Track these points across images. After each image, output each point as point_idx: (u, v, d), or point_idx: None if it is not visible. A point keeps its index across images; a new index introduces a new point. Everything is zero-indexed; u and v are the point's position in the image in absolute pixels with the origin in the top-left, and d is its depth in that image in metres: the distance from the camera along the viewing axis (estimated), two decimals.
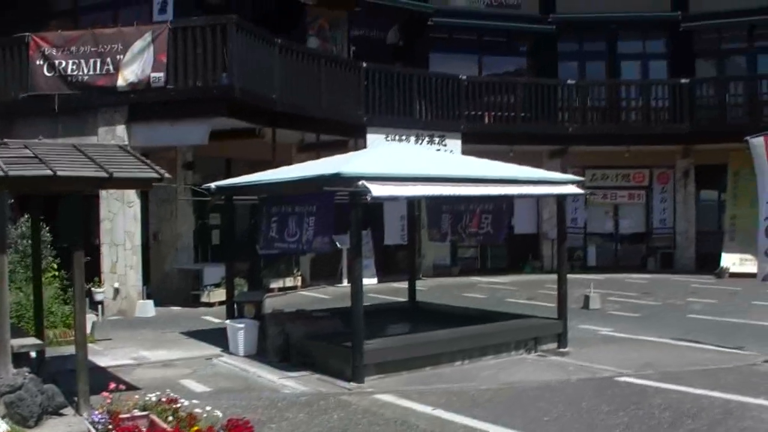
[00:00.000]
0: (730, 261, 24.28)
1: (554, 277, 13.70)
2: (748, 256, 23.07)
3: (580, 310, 16.83)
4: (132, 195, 16.91)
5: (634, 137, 25.14)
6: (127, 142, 16.24)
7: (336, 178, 10.23)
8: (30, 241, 12.41)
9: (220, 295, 17.53)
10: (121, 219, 16.98)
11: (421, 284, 19.37)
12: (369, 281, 21.00)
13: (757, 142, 12.71)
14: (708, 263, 25.21)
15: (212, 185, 14.05)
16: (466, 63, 27.23)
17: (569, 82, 25.82)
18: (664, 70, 28.38)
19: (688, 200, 26.76)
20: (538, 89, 25.16)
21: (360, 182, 9.93)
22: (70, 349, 10.09)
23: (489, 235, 13.99)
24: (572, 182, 13.23)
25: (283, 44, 18.56)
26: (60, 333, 13.26)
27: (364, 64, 21.76)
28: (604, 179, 27.06)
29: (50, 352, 11.25)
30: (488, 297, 19.63)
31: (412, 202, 16.04)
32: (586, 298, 17.50)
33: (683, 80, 25.46)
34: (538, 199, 24.58)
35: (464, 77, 24.24)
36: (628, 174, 27.19)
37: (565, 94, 25.59)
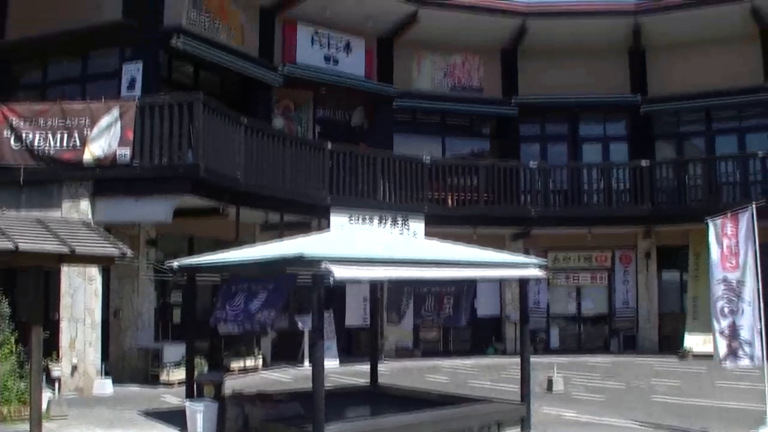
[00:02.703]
0: (694, 342, 24.33)
1: (517, 359, 13.68)
2: (711, 337, 23.19)
3: (543, 393, 16.79)
4: (93, 271, 16.74)
5: (596, 219, 25.45)
6: (91, 217, 16.21)
7: (299, 260, 10.22)
8: None
9: (180, 374, 17.28)
10: (81, 294, 16.78)
11: (383, 367, 19.22)
12: (331, 363, 20.83)
13: (714, 223, 12.94)
14: (671, 344, 25.34)
15: (174, 263, 13.95)
16: (430, 144, 27.64)
17: (531, 164, 26.15)
18: (624, 153, 28.86)
19: (650, 281, 26.95)
20: (500, 172, 25.42)
21: (323, 264, 9.94)
22: (25, 427, 9.91)
23: (450, 317, 14.01)
24: (534, 265, 13.29)
25: (248, 124, 18.67)
26: (15, 409, 13.00)
27: (329, 145, 21.88)
28: (566, 261, 27.27)
29: (3, 429, 11.01)
30: (451, 380, 19.51)
31: (375, 284, 16.02)
32: (550, 381, 17.46)
33: (643, 162, 25.89)
34: (501, 281, 24.71)
35: (427, 159, 24.44)
36: (590, 256, 27.41)
37: (527, 176, 25.86)
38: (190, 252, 19.33)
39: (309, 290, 10.46)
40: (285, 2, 24.13)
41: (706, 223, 13.14)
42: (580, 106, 28.64)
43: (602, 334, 27.64)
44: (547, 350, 26.07)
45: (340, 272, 9.97)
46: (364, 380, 16.80)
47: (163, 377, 18.07)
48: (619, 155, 28.76)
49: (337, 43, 25.87)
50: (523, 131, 29.07)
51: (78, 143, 16.79)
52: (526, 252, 23.77)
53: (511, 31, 27.72)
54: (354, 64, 26.18)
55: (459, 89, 28.62)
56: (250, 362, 20.99)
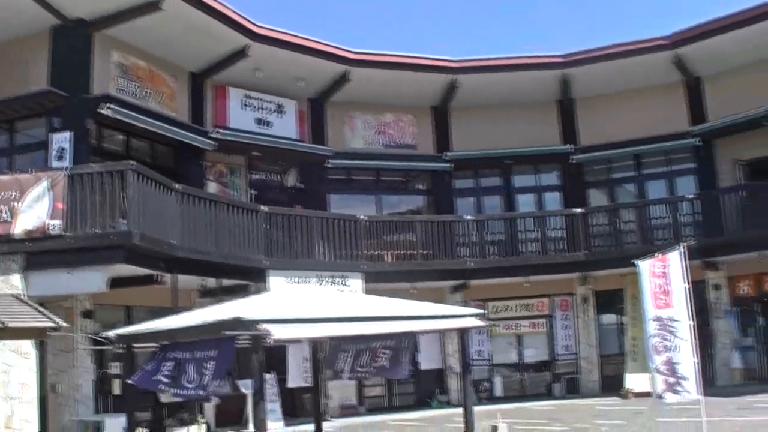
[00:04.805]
0: (635, 381, 24.59)
1: (462, 410, 13.71)
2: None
3: None
4: (28, 346, 16.38)
5: (532, 268, 25.79)
6: (23, 291, 15.93)
7: (236, 323, 10.18)
8: None
9: None
10: (16, 371, 16.35)
11: (329, 426, 19.15)
12: (275, 425, 20.65)
13: (643, 265, 13.26)
14: (613, 385, 25.69)
15: (111, 333, 13.79)
16: (366, 202, 27.96)
17: (467, 217, 26.48)
18: (558, 201, 29.44)
19: (589, 325, 27.33)
20: (436, 226, 25.64)
21: (261, 325, 9.91)
22: None
23: (387, 370, 14.00)
24: (472, 315, 13.40)
25: (181, 190, 18.65)
26: None
27: (264, 208, 21.91)
28: (506, 310, 27.51)
29: None
30: None
31: (316, 344, 15.97)
32: (495, 429, 17.47)
33: (577, 210, 26.42)
34: (443, 333, 24.77)
35: (363, 217, 24.57)
36: (529, 304, 27.71)
37: (463, 229, 26.17)
38: (128, 322, 19.10)
39: (249, 353, 10.40)
40: (214, 67, 24.32)
41: (635, 265, 13.47)
42: (512, 157, 29.07)
43: (545, 379, 27.86)
44: (492, 399, 26.17)
45: (278, 332, 9.94)
46: None
47: None
48: (553, 204, 29.36)
49: (268, 106, 26.02)
50: (457, 185, 29.50)
51: (7, 216, 16.54)
52: (466, 303, 23.90)
53: (442, 86, 28.17)
54: (286, 126, 26.34)
55: (392, 147, 28.93)
56: (194, 429, 20.67)
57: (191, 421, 20.72)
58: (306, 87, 26.54)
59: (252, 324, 10.03)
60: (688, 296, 12.91)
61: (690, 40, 25.94)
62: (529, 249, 26.52)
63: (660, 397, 13.17)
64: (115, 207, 16.50)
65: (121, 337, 13.78)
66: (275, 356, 21.37)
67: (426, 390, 26.58)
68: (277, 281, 21.46)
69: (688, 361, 12.75)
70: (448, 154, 28.73)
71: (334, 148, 27.26)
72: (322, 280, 22.66)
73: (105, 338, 14.05)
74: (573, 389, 26.94)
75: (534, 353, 28.11)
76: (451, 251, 25.56)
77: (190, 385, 11.18)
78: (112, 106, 20.18)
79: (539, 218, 27.06)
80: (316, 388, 16.73)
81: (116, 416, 18.15)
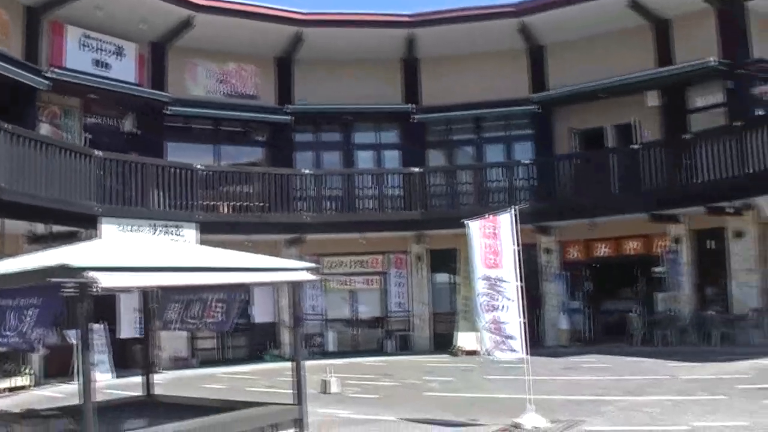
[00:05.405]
0: (465, 340, 25.30)
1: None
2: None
3: (319, 395, 16.95)
4: None
5: (369, 224, 26.10)
6: None
7: (62, 270, 9.89)
8: None
9: None
10: None
11: (159, 377, 18.74)
12: (104, 376, 20.34)
13: (473, 225, 13.61)
14: (444, 343, 26.35)
15: None
16: (204, 152, 27.50)
17: (305, 171, 26.53)
18: (398, 160, 29.71)
19: (422, 284, 27.89)
20: (274, 179, 25.65)
21: (88, 273, 9.66)
22: None
23: (218, 323, 13.91)
24: (305, 269, 13.42)
25: (10, 130, 17.90)
26: None
27: (98, 153, 21.33)
28: (341, 266, 27.76)
29: None
30: (228, 387, 19.43)
31: (147, 294, 15.69)
32: (325, 383, 17.69)
33: (415, 169, 26.81)
34: (277, 287, 24.78)
35: (200, 167, 24.29)
36: (364, 260, 28.06)
37: (301, 183, 26.27)
38: None
39: (76, 301, 10.11)
40: (52, 2, 23.28)
41: (465, 225, 13.81)
42: (353, 114, 29.24)
43: (377, 335, 28.31)
44: (324, 353, 26.31)
45: (107, 280, 9.70)
46: (139, 392, 16.42)
47: None
48: (392, 162, 29.65)
49: (107, 47, 25.17)
50: (297, 139, 29.42)
51: None
52: (301, 258, 23.94)
53: (288, 38, 27.99)
54: (125, 69, 25.57)
55: (233, 96, 28.52)
56: (19, 381, 20.05)
57: (16, 372, 20.09)
58: (148, 30, 25.79)
59: (78, 271, 9.74)
60: (517, 258, 13.31)
61: (536, 9, 26.77)
62: (366, 206, 26.88)
63: (488, 354, 13.58)
64: None
65: None
66: (107, 306, 21.03)
67: (259, 343, 26.64)
68: (109, 229, 20.95)
69: (515, 320, 13.15)
70: (290, 106, 28.57)
71: (174, 95, 26.64)
72: (156, 230, 22.26)
73: None
74: (405, 346, 27.50)
75: (367, 309, 28.53)
76: (288, 205, 25.61)
77: (9, 333, 10.79)
78: None
79: (377, 175, 27.44)
80: (146, 339, 16.45)
81: None
